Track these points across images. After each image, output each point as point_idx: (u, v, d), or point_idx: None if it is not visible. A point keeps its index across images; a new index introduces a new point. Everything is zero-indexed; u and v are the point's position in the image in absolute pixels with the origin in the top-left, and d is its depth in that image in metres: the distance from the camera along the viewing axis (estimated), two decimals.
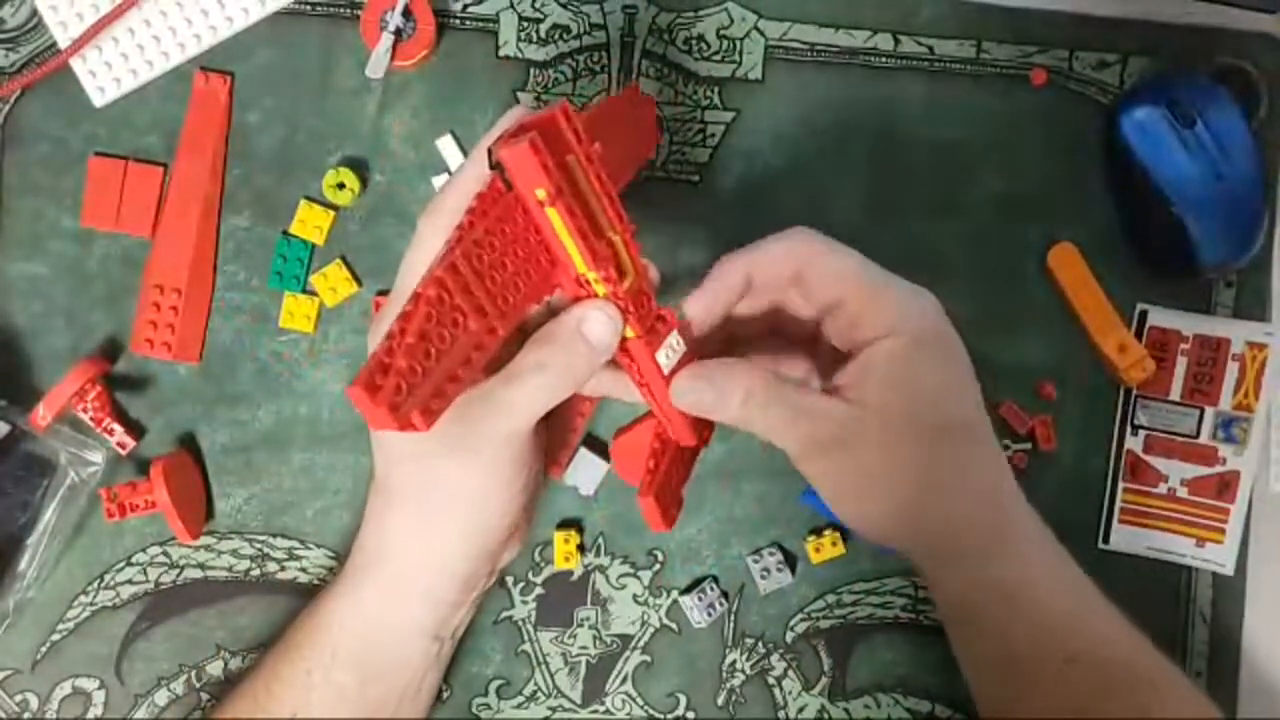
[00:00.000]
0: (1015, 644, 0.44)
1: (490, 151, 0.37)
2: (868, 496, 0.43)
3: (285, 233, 0.53)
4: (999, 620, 0.44)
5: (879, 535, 0.45)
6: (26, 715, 0.52)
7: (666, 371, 0.41)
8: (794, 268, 0.42)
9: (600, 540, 0.54)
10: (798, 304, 0.44)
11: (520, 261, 0.37)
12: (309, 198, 0.53)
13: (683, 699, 0.54)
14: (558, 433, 0.53)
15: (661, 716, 0.54)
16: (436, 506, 0.43)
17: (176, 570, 0.53)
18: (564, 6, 0.54)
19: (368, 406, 0.31)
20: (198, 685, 0.53)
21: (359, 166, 0.53)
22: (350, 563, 0.47)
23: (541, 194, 0.36)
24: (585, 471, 0.54)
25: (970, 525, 0.44)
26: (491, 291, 0.35)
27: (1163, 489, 0.55)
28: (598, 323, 0.39)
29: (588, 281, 0.39)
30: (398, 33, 0.52)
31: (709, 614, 0.54)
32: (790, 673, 0.55)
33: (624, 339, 0.40)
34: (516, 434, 0.41)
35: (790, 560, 0.54)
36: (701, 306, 0.43)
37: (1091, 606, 0.45)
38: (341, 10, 0.54)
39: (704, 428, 0.44)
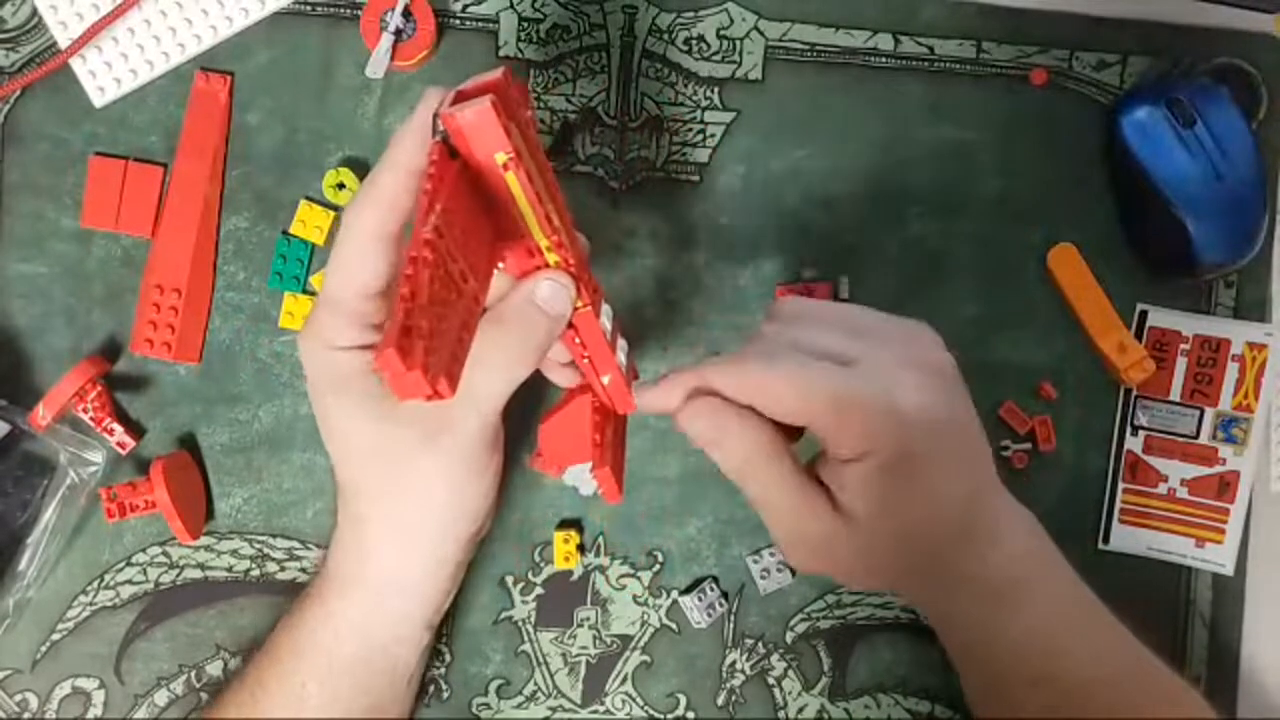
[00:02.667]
0: (989, 665, 0.45)
1: (436, 119, 0.36)
2: (857, 583, 0.46)
3: (285, 233, 0.53)
4: (980, 636, 0.45)
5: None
6: (26, 715, 0.52)
7: (609, 338, 0.41)
8: (747, 399, 0.40)
9: (600, 540, 0.54)
10: None
11: (478, 229, 0.36)
12: (309, 198, 0.53)
13: (683, 699, 0.54)
14: None
15: (661, 716, 0.54)
16: (413, 505, 0.43)
17: (176, 570, 0.53)
18: (564, 7, 0.54)
19: (399, 371, 0.29)
20: (198, 685, 0.53)
21: (359, 167, 0.53)
22: (329, 570, 0.46)
23: (502, 157, 0.35)
24: (585, 471, 0.54)
25: (954, 580, 0.44)
26: (470, 258, 0.35)
27: (1163, 489, 0.55)
28: (552, 291, 0.39)
29: (540, 250, 0.38)
30: (398, 33, 0.52)
31: (709, 614, 0.54)
32: (790, 673, 0.55)
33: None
34: (487, 419, 0.41)
35: None
36: (645, 404, 0.43)
37: (1079, 624, 0.45)
38: (341, 10, 0.54)
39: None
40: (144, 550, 0.53)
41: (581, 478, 0.53)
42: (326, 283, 0.41)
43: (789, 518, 0.41)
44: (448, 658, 0.53)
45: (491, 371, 0.40)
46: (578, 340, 0.42)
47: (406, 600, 0.46)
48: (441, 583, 0.46)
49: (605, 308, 0.41)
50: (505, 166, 0.35)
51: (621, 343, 0.42)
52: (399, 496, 0.43)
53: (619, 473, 0.43)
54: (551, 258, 0.39)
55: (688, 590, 0.54)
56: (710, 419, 0.41)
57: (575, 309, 0.40)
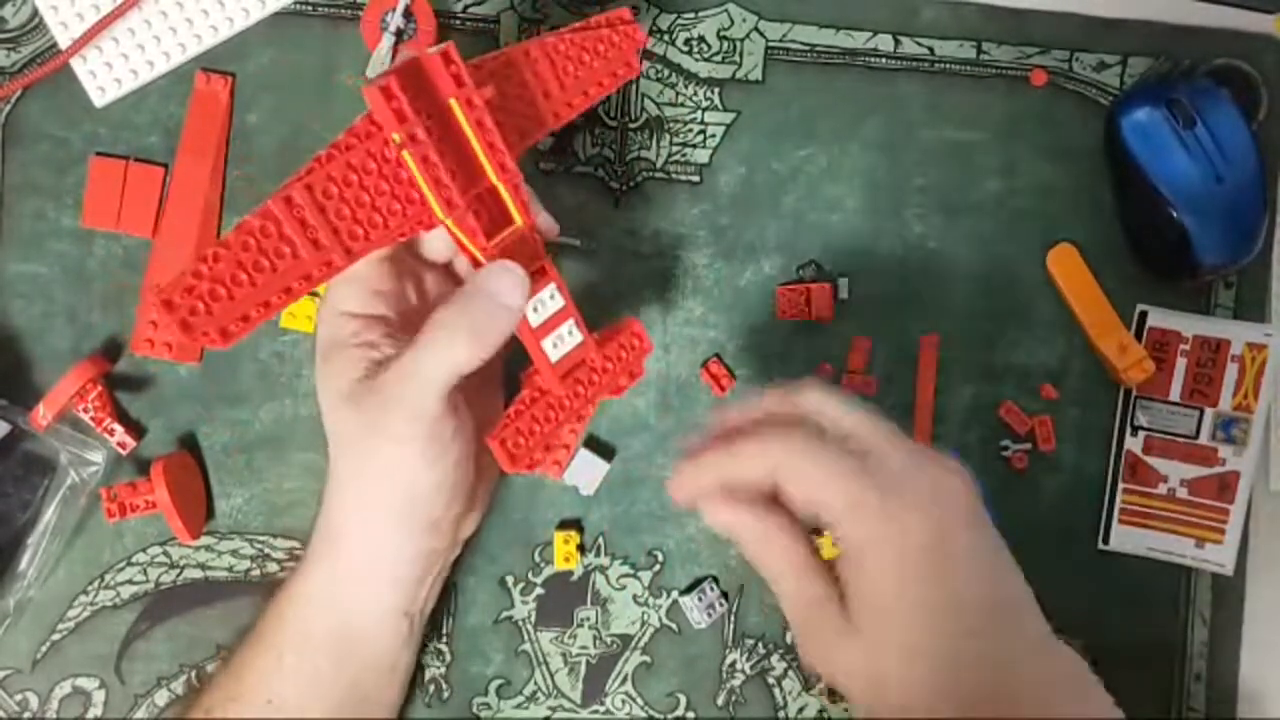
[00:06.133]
0: None
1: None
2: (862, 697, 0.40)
3: None
4: None
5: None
6: (26, 715, 0.52)
7: (535, 325, 0.41)
8: (768, 474, 0.40)
9: (600, 540, 0.54)
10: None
11: (388, 198, 0.38)
12: None
13: (683, 699, 0.54)
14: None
15: (661, 716, 0.54)
16: (372, 490, 0.44)
17: (177, 570, 0.53)
18: (564, 7, 0.54)
19: (164, 320, 0.35)
20: (198, 685, 0.53)
21: None
22: (312, 548, 0.47)
23: (396, 138, 0.38)
24: (585, 471, 0.54)
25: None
26: (335, 226, 0.37)
27: (1162, 489, 0.55)
28: (494, 277, 0.40)
29: (449, 227, 0.40)
30: (398, 33, 0.52)
31: (709, 614, 0.54)
32: (790, 673, 0.55)
33: None
34: (430, 403, 0.41)
35: None
36: (679, 496, 0.42)
37: None
38: (342, 11, 0.54)
39: (591, 379, 0.44)
40: (144, 550, 0.53)
41: (582, 478, 0.54)
42: None
43: (802, 611, 0.41)
44: (448, 657, 0.53)
45: (435, 354, 0.40)
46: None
47: (375, 583, 0.46)
48: (414, 570, 0.46)
49: (545, 293, 0.42)
50: (400, 146, 0.38)
51: (563, 333, 0.42)
52: (360, 486, 0.44)
53: (525, 448, 0.43)
54: (460, 235, 0.40)
55: (688, 590, 0.54)
56: (750, 529, 0.41)
57: None
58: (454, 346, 0.40)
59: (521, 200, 0.41)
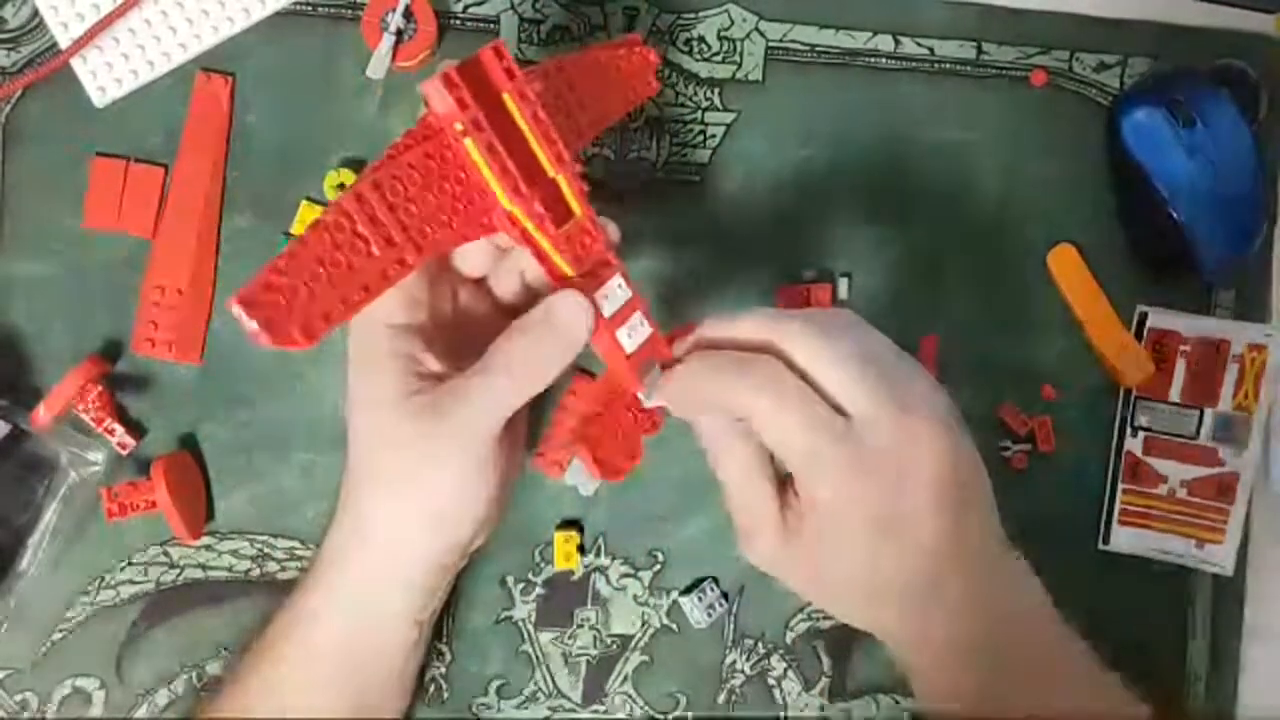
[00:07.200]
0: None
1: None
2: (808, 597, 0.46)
3: (286, 233, 0.53)
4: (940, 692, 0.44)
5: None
6: (26, 715, 0.52)
7: (608, 315, 0.41)
8: (743, 416, 0.41)
9: (600, 540, 0.54)
10: None
11: (449, 198, 0.39)
12: (310, 198, 0.53)
13: (683, 699, 0.54)
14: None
15: (661, 716, 0.54)
16: (408, 499, 0.44)
17: (177, 570, 0.53)
18: (564, 8, 0.54)
19: (246, 321, 0.34)
20: (198, 685, 0.53)
21: (360, 167, 0.53)
22: (323, 556, 0.47)
23: (459, 126, 0.38)
24: (585, 472, 0.54)
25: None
26: (405, 223, 0.37)
27: (1162, 490, 0.55)
28: (564, 309, 0.40)
29: (516, 219, 0.40)
30: (399, 33, 0.52)
31: (709, 614, 0.54)
32: (790, 673, 0.55)
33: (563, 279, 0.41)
34: (488, 427, 0.41)
35: None
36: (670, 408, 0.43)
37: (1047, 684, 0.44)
38: (342, 11, 0.54)
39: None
40: (144, 550, 0.53)
41: (582, 478, 0.54)
42: None
43: (744, 512, 0.43)
44: (448, 657, 0.53)
45: (497, 380, 0.41)
46: None
47: (393, 590, 0.46)
48: (429, 580, 0.46)
49: (614, 283, 0.41)
50: (462, 134, 0.38)
51: (634, 323, 0.42)
52: (395, 494, 0.44)
53: (612, 453, 0.43)
54: (528, 224, 0.40)
55: (688, 590, 0.54)
56: (715, 437, 0.43)
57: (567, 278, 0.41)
58: (519, 375, 0.41)
59: (580, 190, 0.41)
